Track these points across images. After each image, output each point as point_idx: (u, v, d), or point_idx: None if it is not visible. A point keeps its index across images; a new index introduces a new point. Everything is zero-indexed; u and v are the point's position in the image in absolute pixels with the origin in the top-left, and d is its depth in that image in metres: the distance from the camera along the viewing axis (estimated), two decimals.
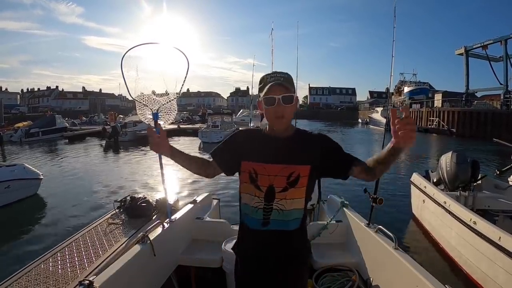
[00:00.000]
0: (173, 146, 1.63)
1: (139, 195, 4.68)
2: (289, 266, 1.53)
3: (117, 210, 4.55)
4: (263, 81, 1.47)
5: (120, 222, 4.23)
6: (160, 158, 2.95)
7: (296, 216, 1.49)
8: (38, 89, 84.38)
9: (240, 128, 1.66)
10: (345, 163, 1.48)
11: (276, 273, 1.52)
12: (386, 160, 1.40)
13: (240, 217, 1.60)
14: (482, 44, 32.32)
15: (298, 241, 1.55)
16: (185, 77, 2.81)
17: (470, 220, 3.72)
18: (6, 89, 77.37)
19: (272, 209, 1.46)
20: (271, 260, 1.51)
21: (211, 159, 1.63)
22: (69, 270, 3.03)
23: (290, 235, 1.50)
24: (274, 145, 1.48)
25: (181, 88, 2.87)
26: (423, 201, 5.35)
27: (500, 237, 3.18)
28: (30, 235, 5.58)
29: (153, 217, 4.32)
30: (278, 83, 1.40)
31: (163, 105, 2.93)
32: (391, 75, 3.78)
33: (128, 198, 4.67)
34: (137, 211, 4.39)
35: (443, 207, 4.46)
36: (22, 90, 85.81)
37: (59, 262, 3.17)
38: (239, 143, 1.56)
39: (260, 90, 1.47)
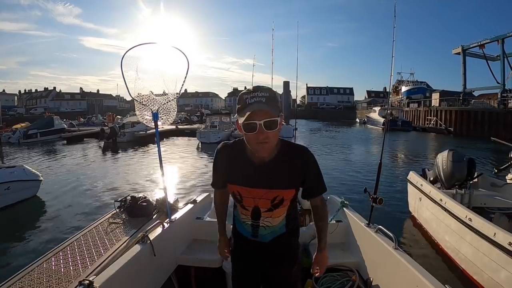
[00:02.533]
0: (221, 235, 1.83)
1: (140, 195, 4.70)
2: (280, 263, 1.62)
3: (117, 210, 4.58)
4: (242, 101, 1.30)
5: (121, 222, 4.25)
6: (160, 158, 2.98)
7: (281, 225, 1.56)
8: (36, 90, 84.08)
9: (221, 144, 1.55)
10: (312, 191, 1.55)
11: (268, 268, 1.62)
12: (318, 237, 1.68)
13: (233, 218, 1.67)
14: (479, 43, 32.47)
15: (286, 242, 1.61)
16: (185, 77, 2.84)
17: (466, 217, 3.77)
18: (4, 90, 77.09)
19: (259, 226, 1.52)
20: (263, 259, 1.60)
21: (217, 190, 1.71)
22: (71, 269, 3.04)
23: (277, 241, 1.57)
24: (258, 169, 1.41)
25: (181, 88, 2.89)
26: (420, 199, 5.40)
27: (495, 233, 3.23)
28: (31, 236, 5.57)
29: (154, 217, 4.35)
30: (259, 108, 1.24)
31: (163, 105, 2.96)
32: (391, 75, 3.78)
33: (129, 197, 4.68)
34: (138, 211, 4.41)
35: (440, 205, 4.51)
36: (19, 92, 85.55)
37: (61, 261, 3.18)
38: (223, 165, 1.52)
39: (239, 112, 1.30)
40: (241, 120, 1.28)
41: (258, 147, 1.31)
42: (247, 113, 1.24)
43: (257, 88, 1.30)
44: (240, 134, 1.42)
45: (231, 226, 1.71)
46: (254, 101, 1.26)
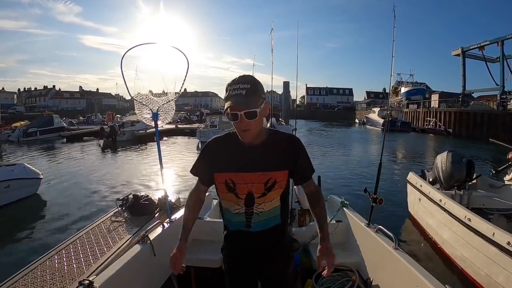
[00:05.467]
0: (182, 243, 1.61)
1: (142, 194, 4.71)
2: (275, 260, 1.62)
3: (119, 208, 4.59)
4: (226, 91, 1.40)
5: (123, 220, 4.27)
6: (160, 158, 2.99)
7: (275, 214, 1.57)
8: (35, 88, 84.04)
9: (213, 137, 1.60)
10: (305, 174, 1.59)
11: (263, 267, 1.62)
12: (318, 225, 1.62)
13: (223, 220, 1.67)
14: (478, 45, 32.50)
15: (281, 236, 1.63)
16: (185, 77, 2.85)
17: (465, 217, 3.79)
18: (3, 88, 76.80)
19: (253, 213, 1.52)
20: (259, 256, 1.60)
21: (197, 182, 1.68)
22: (74, 267, 3.06)
23: (271, 232, 1.57)
24: (249, 153, 1.47)
25: (181, 88, 2.90)
26: (419, 199, 5.42)
27: (494, 233, 3.25)
28: (31, 234, 5.58)
29: (156, 215, 4.37)
30: (238, 101, 1.33)
31: (163, 105, 2.97)
32: (391, 75, 3.77)
33: (131, 196, 4.69)
34: (140, 209, 4.43)
35: (439, 205, 4.53)
36: (19, 90, 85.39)
37: (64, 259, 3.20)
38: (212, 155, 1.54)
39: (225, 100, 1.40)
40: (225, 108, 1.37)
41: (242, 134, 1.41)
42: (228, 105, 1.34)
43: (240, 80, 1.38)
44: None
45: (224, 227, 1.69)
46: (235, 93, 1.35)
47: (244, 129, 1.38)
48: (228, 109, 1.35)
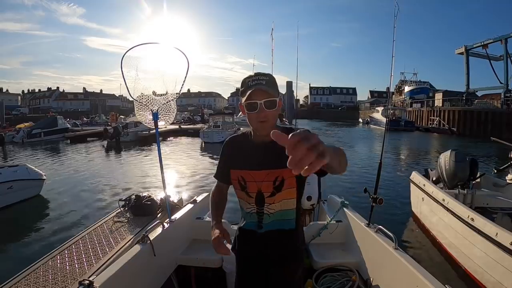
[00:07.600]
0: (219, 225, 1.59)
1: (144, 194, 4.73)
2: (283, 265, 1.58)
3: (122, 209, 4.61)
4: (244, 84, 1.41)
5: (126, 220, 4.29)
6: (160, 158, 2.99)
7: (289, 217, 1.53)
8: (39, 90, 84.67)
9: (229, 136, 1.66)
10: None
11: (271, 270, 1.58)
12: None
13: (241, 218, 1.66)
14: (482, 43, 32.30)
15: (292, 241, 1.58)
16: (185, 77, 2.84)
17: (468, 217, 3.76)
18: (7, 90, 77.49)
19: (264, 213, 1.51)
20: (267, 259, 1.57)
21: (219, 183, 1.69)
22: (76, 267, 3.08)
23: (284, 237, 1.55)
24: (259, 151, 1.47)
25: (181, 88, 2.89)
26: (422, 199, 5.39)
27: (497, 233, 3.23)
28: (34, 235, 5.61)
29: (158, 215, 4.39)
30: (260, 88, 1.36)
31: (163, 105, 2.96)
32: (391, 75, 3.76)
33: (133, 196, 4.72)
34: (142, 210, 4.45)
35: (442, 205, 4.50)
36: (23, 91, 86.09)
37: (66, 259, 3.22)
38: (228, 154, 1.59)
39: (242, 94, 1.41)
40: (243, 100, 1.39)
41: (259, 126, 1.42)
42: (248, 93, 1.35)
43: (258, 73, 1.42)
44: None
45: (237, 225, 1.69)
46: (255, 83, 1.38)
47: (262, 120, 1.38)
48: (247, 98, 1.36)
